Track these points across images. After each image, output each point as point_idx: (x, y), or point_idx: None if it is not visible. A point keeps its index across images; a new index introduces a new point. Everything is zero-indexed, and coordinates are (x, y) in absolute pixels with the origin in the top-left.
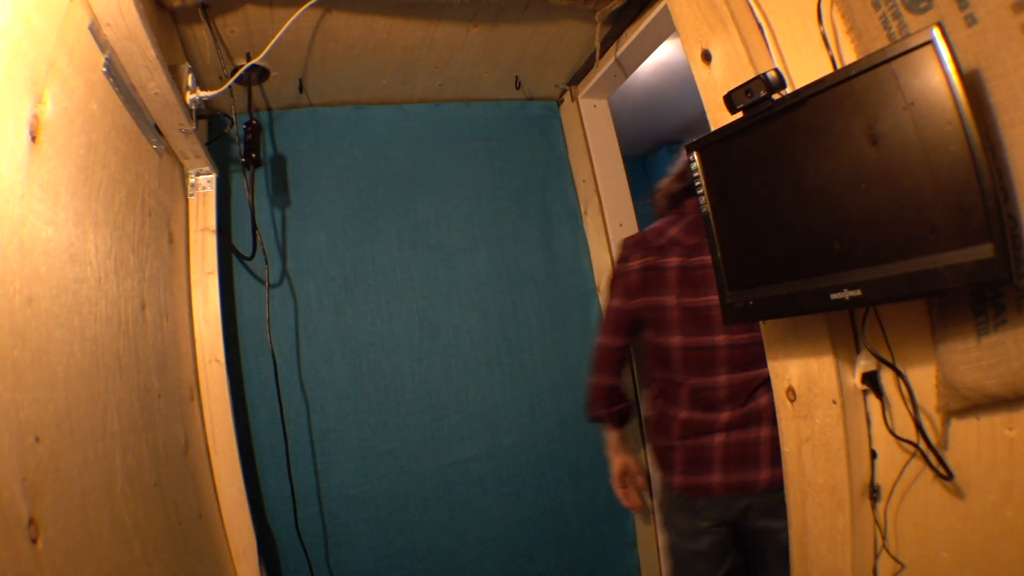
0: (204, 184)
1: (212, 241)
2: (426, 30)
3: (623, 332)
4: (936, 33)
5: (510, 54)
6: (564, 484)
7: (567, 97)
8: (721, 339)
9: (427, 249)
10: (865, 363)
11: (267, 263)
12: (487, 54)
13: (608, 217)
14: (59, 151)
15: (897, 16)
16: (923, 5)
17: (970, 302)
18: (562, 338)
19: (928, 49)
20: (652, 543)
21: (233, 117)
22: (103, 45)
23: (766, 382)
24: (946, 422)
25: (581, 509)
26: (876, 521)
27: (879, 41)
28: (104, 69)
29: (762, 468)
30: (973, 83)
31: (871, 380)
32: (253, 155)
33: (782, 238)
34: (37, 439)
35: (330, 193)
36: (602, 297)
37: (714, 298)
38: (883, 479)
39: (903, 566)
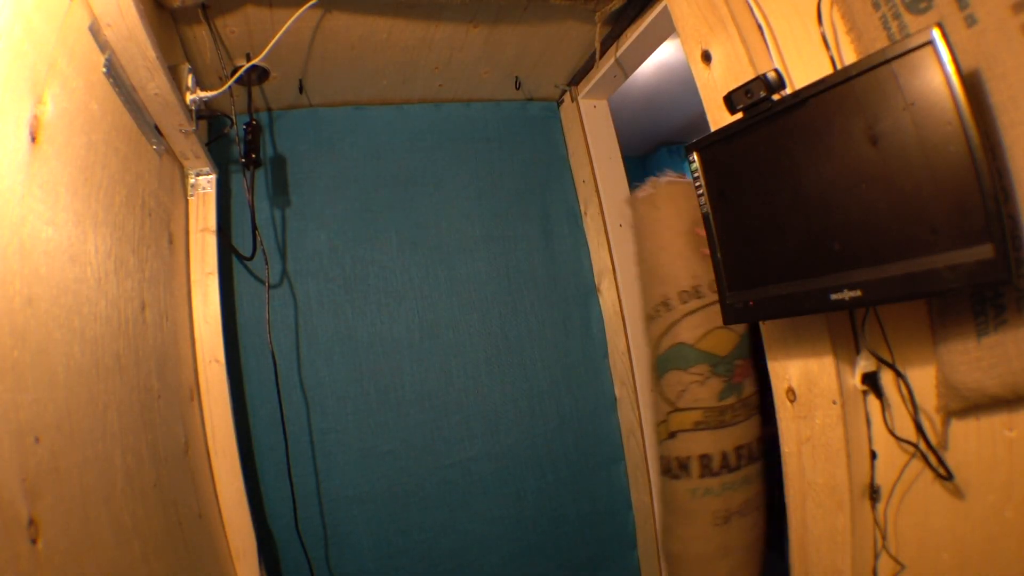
0: (204, 184)
1: (212, 241)
2: (426, 30)
3: None
4: (936, 33)
5: (510, 54)
6: (564, 484)
7: (567, 98)
8: None
9: (427, 249)
10: (865, 363)
11: (267, 263)
12: (487, 54)
13: (608, 217)
14: (59, 151)
15: (897, 16)
16: (923, 6)
17: (970, 302)
18: (562, 338)
19: (928, 49)
20: (652, 543)
21: (233, 117)
22: (103, 46)
23: None
24: (946, 422)
25: (581, 509)
26: (876, 521)
27: (879, 42)
28: (104, 70)
29: None
30: (973, 83)
31: (871, 380)
32: (253, 155)
33: (782, 238)
34: (37, 439)
35: (330, 193)
36: (602, 297)
37: None
38: (883, 479)
39: (903, 566)
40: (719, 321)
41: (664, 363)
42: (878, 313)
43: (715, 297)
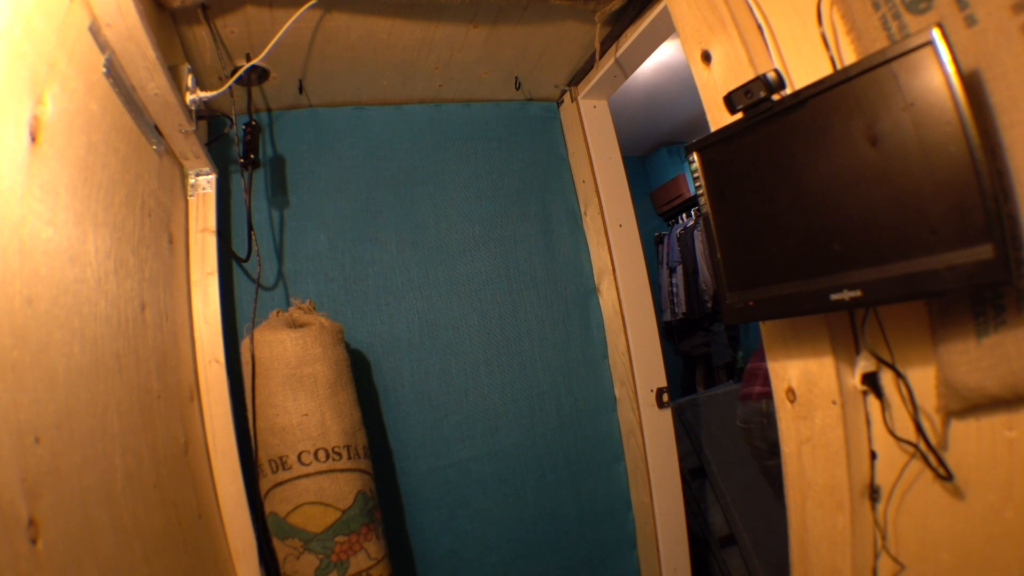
0: (204, 185)
1: (212, 242)
2: (426, 30)
3: None
4: (936, 34)
5: (510, 55)
6: (564, 484)
7: (567, 98)
8: None
9: (427, 250)
10: (865, 364)
11: (259, 264)
12: (487, 55)
13: (608, 217)
14: (59, 152)
15: (897, 17)
16: (923, 6)
17: (970, 303)
18: (562, 338)
19: (928, 50)
20: (652, 543)
21: (233, 118)
22: (103, 46)
23: None
24: (946, 423)
25: (581, 509)
26: (876, 522)
27: (879, 42)
28: (104, 70)
29: None
30: (973, 84)
31: (871, 381)
32: (252, 156)
33: (782, 239)
34: (37, 440)
35: (330, 194)
36: (602, 297)
37: None
38: (883, 480)
39: (903, 567)
40: (309, 496)
41: (271, 525)
42: (878, 313)
43: (305, 470)
